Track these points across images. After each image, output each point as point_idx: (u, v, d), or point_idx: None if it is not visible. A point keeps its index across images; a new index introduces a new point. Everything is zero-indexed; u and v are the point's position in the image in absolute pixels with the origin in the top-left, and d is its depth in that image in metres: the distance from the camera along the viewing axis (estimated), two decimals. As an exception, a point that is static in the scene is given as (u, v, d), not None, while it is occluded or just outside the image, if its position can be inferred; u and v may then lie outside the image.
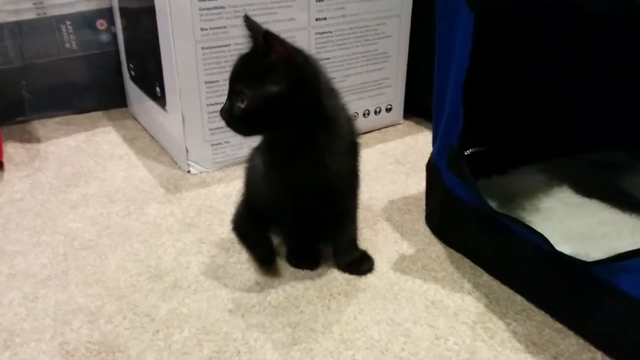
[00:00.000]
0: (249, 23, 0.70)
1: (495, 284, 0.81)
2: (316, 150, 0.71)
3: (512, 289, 0.79)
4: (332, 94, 0.72)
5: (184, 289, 0.79)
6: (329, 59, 1.20)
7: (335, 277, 0.82)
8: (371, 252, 0.87)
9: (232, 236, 0.89)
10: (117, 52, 1.39)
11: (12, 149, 1.22)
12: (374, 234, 0.93)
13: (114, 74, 1.41)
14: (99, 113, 1.43)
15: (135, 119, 1.39)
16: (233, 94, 0.68)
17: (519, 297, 0.78)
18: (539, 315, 0.75)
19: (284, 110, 0.67)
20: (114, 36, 1.38)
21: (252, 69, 0.67)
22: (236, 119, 0.68)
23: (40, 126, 1.35)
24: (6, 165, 1.15)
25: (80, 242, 0.90)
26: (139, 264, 0.85)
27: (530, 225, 0.74)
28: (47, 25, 1.32)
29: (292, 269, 0.84)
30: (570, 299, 0.72)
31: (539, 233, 0.72)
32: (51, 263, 0.85)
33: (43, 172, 1.13)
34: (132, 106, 1.41)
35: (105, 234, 0.92)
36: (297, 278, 0.82)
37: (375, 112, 1.33)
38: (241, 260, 0.85)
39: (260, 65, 0.66)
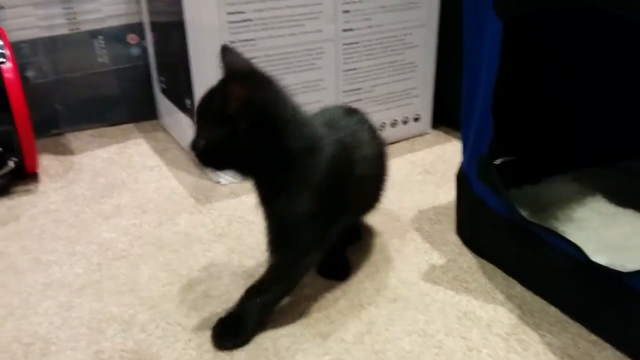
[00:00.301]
0: (225, 55, 0.68)
1: (529, 295, 0.79)
2: (276, 190, 0.70)
3: (545, 300, 0.78)
4: (300, 130, 0.69)
5: (215, 299, 0.80)
6: (356, 69, 1.21)
7: (365, 288, 0.82)
8: (401, 262, 0.87)
9: (263, 246, 0.89)
10: (148, 65, 1.42)
11: (47, 161, 1.25)
12: (404, 244, 0.92)
13: (144, 87, 1.44)
14: (130, 125, 1.46)
15: (165, 130, 1.41)
16: (198, 129, 0.68)
17: (552, 309, 0.77)
18: (574, 327, 0.73)
19: (243, 150, 0.67)
20: (145, 50, 1.41)
21: (215, 107, 0.66)
22: (201, 154, 0.68)
23: (73, 138, 1.38)
24: (41, 177, 1.18)
25: (113, 252, 0.92)
26: (170, 274, 0.86)
27: (564, 235, 0.73)
28: (80, 40, 1.35)
29: (321, 278, 0.84)
30: (606, 310, 0.71)
31: (573, 243, 0.70)
32: (86, 272, 0.87)
33: (77, 183, 1.15)
34: (163, 118, 1.44)
35: (138, 244, 0.93)
36: (327, 288, 0.82)
37: (403, 122, 1.32)
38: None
39: (222, 105, 0.65)
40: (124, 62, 1.41)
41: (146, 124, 1.46)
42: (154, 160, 1.25)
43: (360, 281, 0.83)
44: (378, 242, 0.93)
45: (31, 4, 1.27)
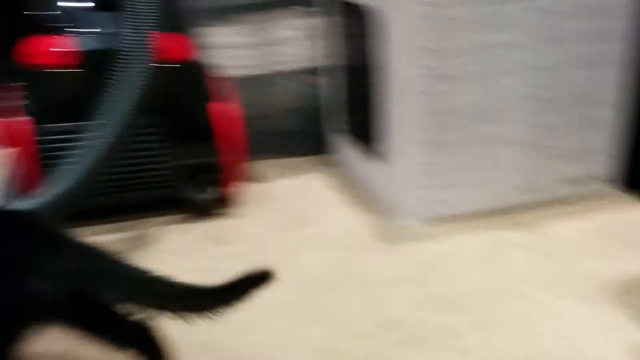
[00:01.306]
0: None
1: None
2: None
3: None
4: None
5: (418, 344, 0.83)
6: (546, 125, 1.20)
7: None
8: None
9: (460, 296, 0.93)
10: (326, 105, 1.51)
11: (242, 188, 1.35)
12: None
13: (320, 124, 1.54)
14: (304, 158, 1.54)
15: (340, 166, 1.48)
16: None
17: None
18: None
19: None
20: (323, 91, 1.51)
21: None
22: None
23: (258, 166, 1.46)
24: (241, 202, 1.29)
25: (315, 283, 0.98)
26: (373, 313, 0.90)
27: None
28: (271, 80, 1.49)
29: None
30: None
31: None
32: (291, 298, 0.92)
33: (271, 211, 1.26)
34: (342, 155, 1.50)
35: (340, 278, 1.00)
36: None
37: (589, 180, 1.28)
38: (474, 324, 0.87)
39: None
40: (305, 100, 1.52)
41: (318, 158, 1.54)
42: (337, 196, 1.33)
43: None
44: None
45: (242, 46, 1.42)
